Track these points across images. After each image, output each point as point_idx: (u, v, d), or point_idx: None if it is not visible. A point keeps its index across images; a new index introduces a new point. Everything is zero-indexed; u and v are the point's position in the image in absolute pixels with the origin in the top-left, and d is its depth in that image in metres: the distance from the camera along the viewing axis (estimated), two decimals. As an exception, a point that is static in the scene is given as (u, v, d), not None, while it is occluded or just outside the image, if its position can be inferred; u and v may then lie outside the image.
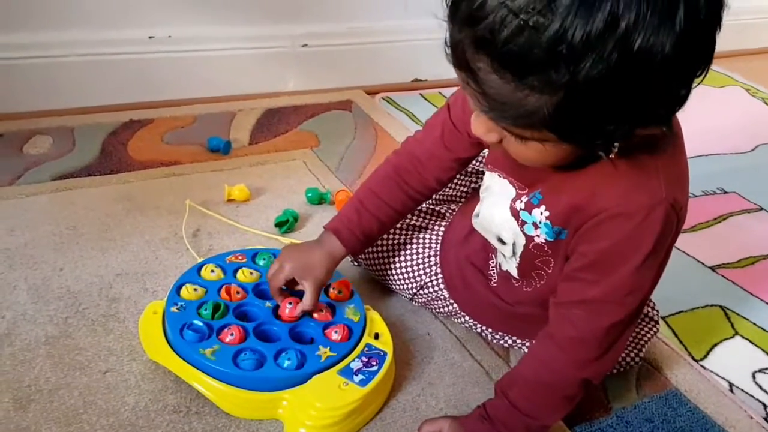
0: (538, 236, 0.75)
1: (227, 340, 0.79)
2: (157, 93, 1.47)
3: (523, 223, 0.76)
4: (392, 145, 1.42)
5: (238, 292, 0.87)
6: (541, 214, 0.73)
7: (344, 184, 1.27)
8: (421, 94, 1.67)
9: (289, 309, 0.83)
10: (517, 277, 0.83)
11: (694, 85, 0.59)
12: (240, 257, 0.93)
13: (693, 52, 0.55)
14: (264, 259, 0.93)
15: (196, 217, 1.11)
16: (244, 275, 0.90)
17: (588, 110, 0.55)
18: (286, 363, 0.78)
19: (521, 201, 0.75)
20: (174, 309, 0.82)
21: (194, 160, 1.29)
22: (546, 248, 0.76)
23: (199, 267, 0.90)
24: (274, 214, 1.13)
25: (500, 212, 0.78)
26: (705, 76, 0.59)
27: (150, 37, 1.44)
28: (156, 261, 1.01)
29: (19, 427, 0.75)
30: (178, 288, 0.86)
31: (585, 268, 0.71)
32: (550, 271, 0.79)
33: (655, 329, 0.92)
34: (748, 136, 1.66)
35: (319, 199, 1.20)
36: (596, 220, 0.69)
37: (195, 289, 0.86)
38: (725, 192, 1.40)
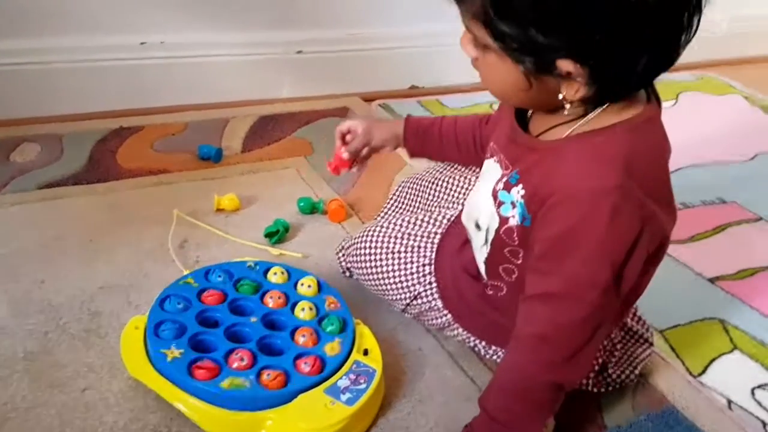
0: (513, 217, 0.74)
1: (234, 365, 0.77)
2: (149, 99, 1.45)
3: (500, 204, 0.75)
4: (388, 154, 1.40)
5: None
6: (518, 192, 0.72)
7: (337, 193, 1.25)
8: (418, 101, 1.65)
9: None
10: (485, 275, 0.83)
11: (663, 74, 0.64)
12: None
13: None
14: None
15: (183, 227, 1.09)
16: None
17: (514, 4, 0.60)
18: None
19: (501, 181, 0.76)
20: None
21: (184, 168, 1.27)
22: (515, 235, 0.75)
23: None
24: (264, 224, 1.11)
25: (484, 194, 0.79)
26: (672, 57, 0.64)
27: (142, 43, 1.42)
28: (141, 273, 0.99)
29: (-6, 447, 0.73)
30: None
31: (541, 256, 0.70)
32: (519, 262, 0.77)
33: (648, 351, 0.90)
34: (748, 144, 1.64)
35: (311, 208, 1.18)
36: (549, 204, 0.68)
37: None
38: (724, 202, 1.38)
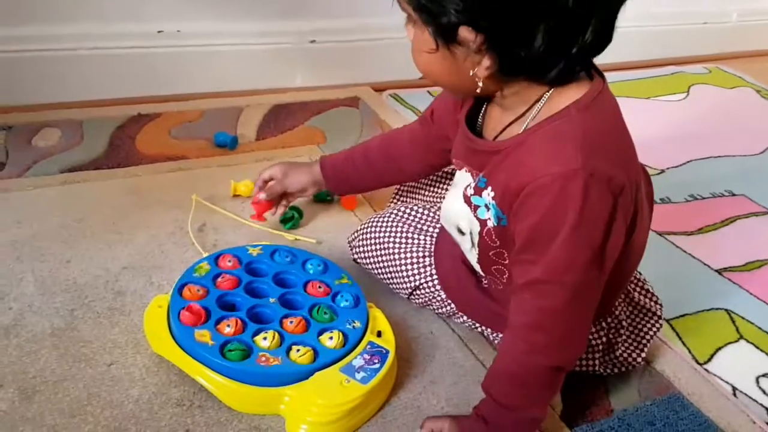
0: (489, 219, 0.76)
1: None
2: (165, 87, 1.47)
3: (476, 208, 0.77)
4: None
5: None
6: (488, 195, 0.75)
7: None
8: (428, 91, 1.67)
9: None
10: (482, 273, 0.85)
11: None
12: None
13: None
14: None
15: (202, 211, 1.12)
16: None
17: None
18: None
19: (470, 187, 0.78)
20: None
21: (201, 155, 1.29)
22: (494, 236, 0.77)
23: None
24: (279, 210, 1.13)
25: (456, 201, 0.81)
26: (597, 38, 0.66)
27: (159, 32, 1.44)
28: (162, 255, 1.02)
29: (24, 417, 0.76)
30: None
31: (522, 248, 0.72)
32: (506, 262, 0.79)
33: (658, 325, 0.92)
34: (758, 137, 1.64)
35: (324, 195, 1.20)
36: (522, 197, 0.70)
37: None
38: (733, 194, 1.40)
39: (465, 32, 0.66)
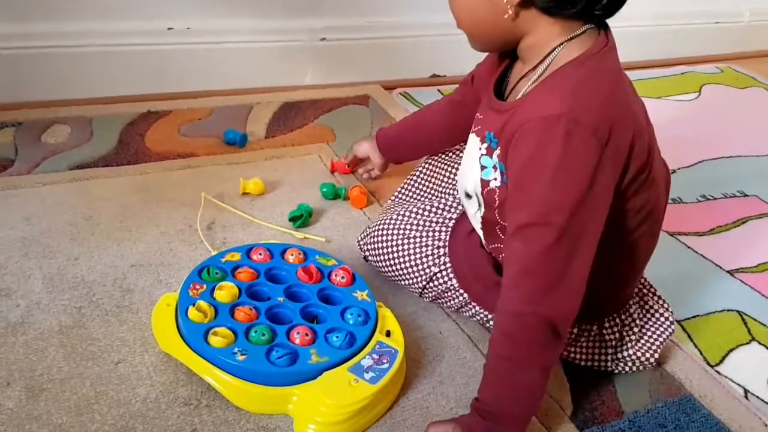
0: (494, 179, 0.79)
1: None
2: (175, 84, 1.47)
3: (482, 168, 0.80)
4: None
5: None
6: (497, 154, 0.78)
7: (359, 180, 1.26)
8: (438, 90, 1.66)
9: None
10: (485, 242, 0.87)
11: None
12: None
13: None
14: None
15: (211, 209, 1.11)
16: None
17: None
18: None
19: (483, 147, 0.80)
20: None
21: (210, 152, 1.29)
22: (496, 196, 0.80)
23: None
24: (288, 208, 1.13)
25: (469, 163, 0.84)
26: None
27: (169, 29, 1.44)
28: (170, 253, 1.02)
29: (31, 415, 0.76)
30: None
31: (512, 193, 0.74)
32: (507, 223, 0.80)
33: (670, 330, 0.91)
34: (770, 138, 1.63)
35: (334, 194, 1.20)
36: (513, 142, 0.73)
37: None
38: (745, 195, 1.38)
39: None
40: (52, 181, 1.15)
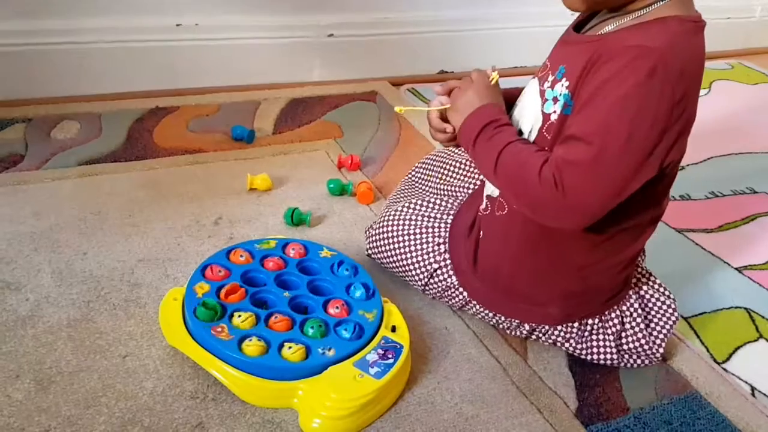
0: (554, 112, 0.78)
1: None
2: (183, 81, 1.48)
3: (544, 101, 0.79)
4: (416, 137, 1.42)
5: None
6: (562, 86, 0.77)
7: (366, 175, 1.26)
8: (446, 86, 1.66)
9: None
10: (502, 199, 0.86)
11: None
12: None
13: None
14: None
15: (218, 205, 1.12)
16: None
17: None
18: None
19: (548, 81, 0.80)
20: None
21: (218, 148, 1.30)
22: (552, 129, 0.78)
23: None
24: (295, 204, 1.14)
25: (530, 101, 0.82)
26: None
27: (177, 25, 1.45)
28: (178, 248, 1.02)
29: (40, 408, 0.76)
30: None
31: (575, 111, 0.74)
32: None
33: (674, 317, 0.91)
34: (781, 135, 1.62)
35: (340, 190, 1.20)
36: (599, 63, 0.72)
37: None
38: (755, 192, 1.37)
39: None
40: (61, 176, 1.15)
